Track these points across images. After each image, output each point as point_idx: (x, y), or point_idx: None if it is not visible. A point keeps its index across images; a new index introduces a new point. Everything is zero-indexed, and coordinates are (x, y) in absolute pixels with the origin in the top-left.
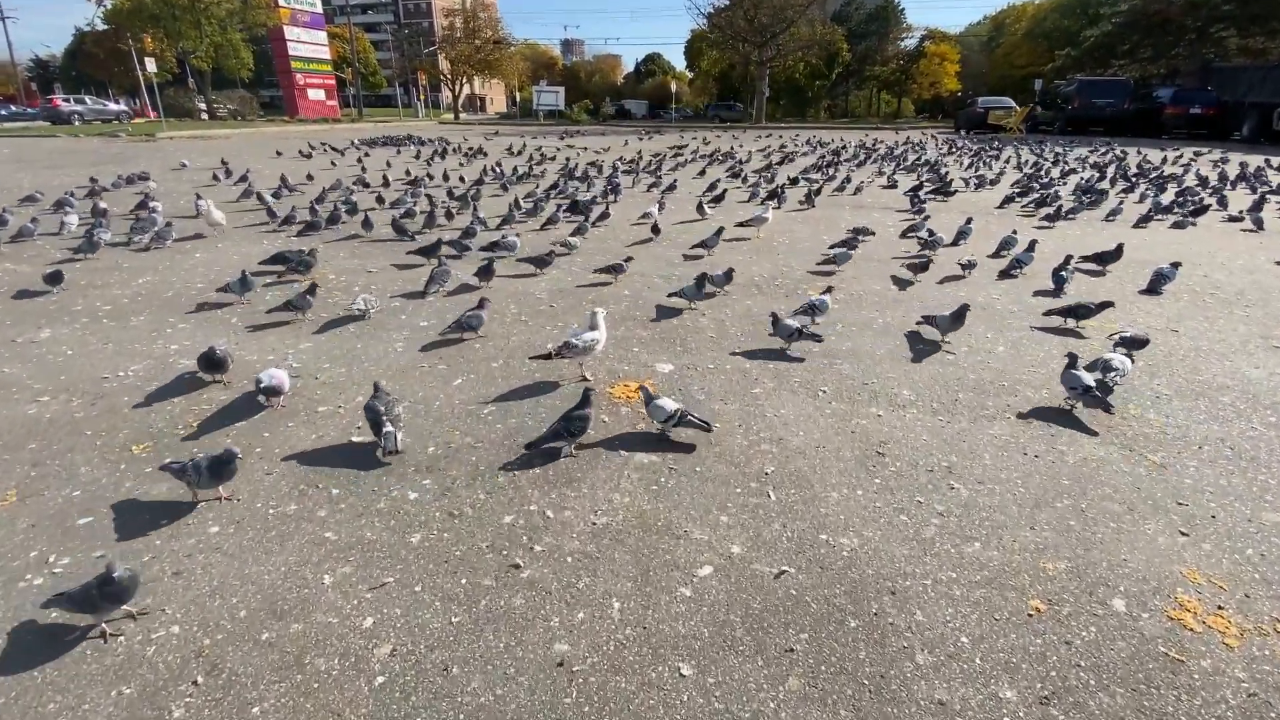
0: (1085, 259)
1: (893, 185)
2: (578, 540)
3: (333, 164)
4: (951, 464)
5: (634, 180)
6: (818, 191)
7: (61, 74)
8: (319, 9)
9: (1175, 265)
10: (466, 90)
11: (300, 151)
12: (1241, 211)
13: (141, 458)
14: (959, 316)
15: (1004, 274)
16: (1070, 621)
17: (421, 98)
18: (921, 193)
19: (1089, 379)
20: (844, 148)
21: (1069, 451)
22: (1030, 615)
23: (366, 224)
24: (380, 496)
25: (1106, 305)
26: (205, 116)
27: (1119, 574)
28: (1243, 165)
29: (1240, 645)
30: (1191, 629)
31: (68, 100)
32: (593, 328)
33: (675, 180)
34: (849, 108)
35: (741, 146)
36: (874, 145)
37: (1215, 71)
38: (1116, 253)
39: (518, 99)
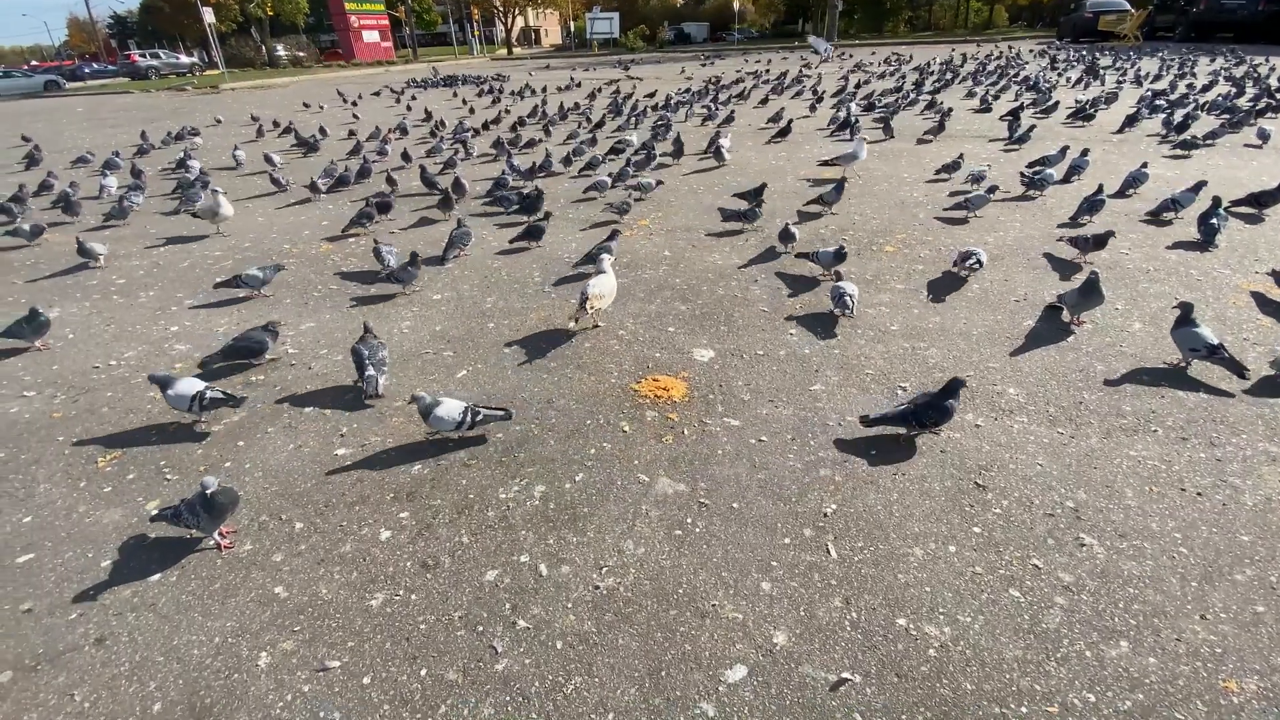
0: (1237, 203)
1: (986, 108)
2: (574, 614)
3: (407, 107)
4: (1079, 504)
5: (686, 114)
6: (895, 114)
7: (138, 30)
8: None
9: None
10: (520, 23)
11: (319, 105)
12: None
13: (106, 473)
14: (1090, 290)
15: (1153, 218)
16: None
17: (476, 34)
18: (1022, 115)
19: (1212, 337)
20: (928, 66)
21: (1245, 486)
22: None
23: (390, 181)
24: (347, 536)
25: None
26: (266, 65)
27: None
28: None
29: None
30: None
31: (144, 55)
32: (599, 273)
33: (732, 112)
34: (933, 19)
35: (812, 69)
36: (962, 61)
37: None
38: (1278, 192)
39: (572, 29)
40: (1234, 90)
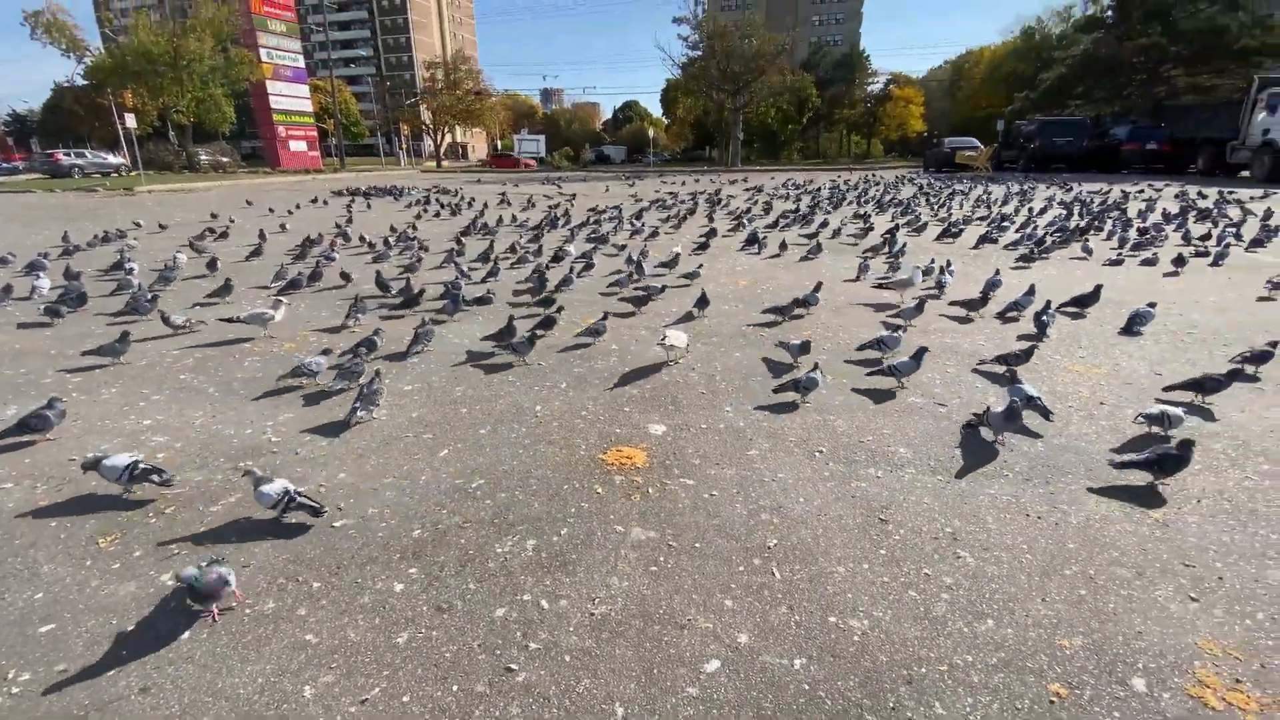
0: (1065, 304)
1: (869, 227)
2: (575, 635)
3: (348, 218)
4: (956, 530)
5: (615, 228)
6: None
7: (40, 128)
8: (301, 64)
9: (1151, 305)
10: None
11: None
12: (1207, 246)
13: (110, 551)
14: (1014, 414)
15: (1000, 316)
16: (1094, 707)
17: (404, 147)
18: (896, 237)
19: (1033, 391)
20: (820, 190)
21: (1071, 511)
22: (1052, 702)
23: (344, 276)
24: (364, 590)
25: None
26: (186, 169)
27: (1135, 649)
28: (1202, 196)
29: None
30: (1213, 707)
31: (69, 154)
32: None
33: (656, 228)
34: (820, 149)
35: (720, 191)
36: (846, 185)
37: (1167, 109)
38: (1094, 295)
39: (499, 146)
40: (1064, 213)
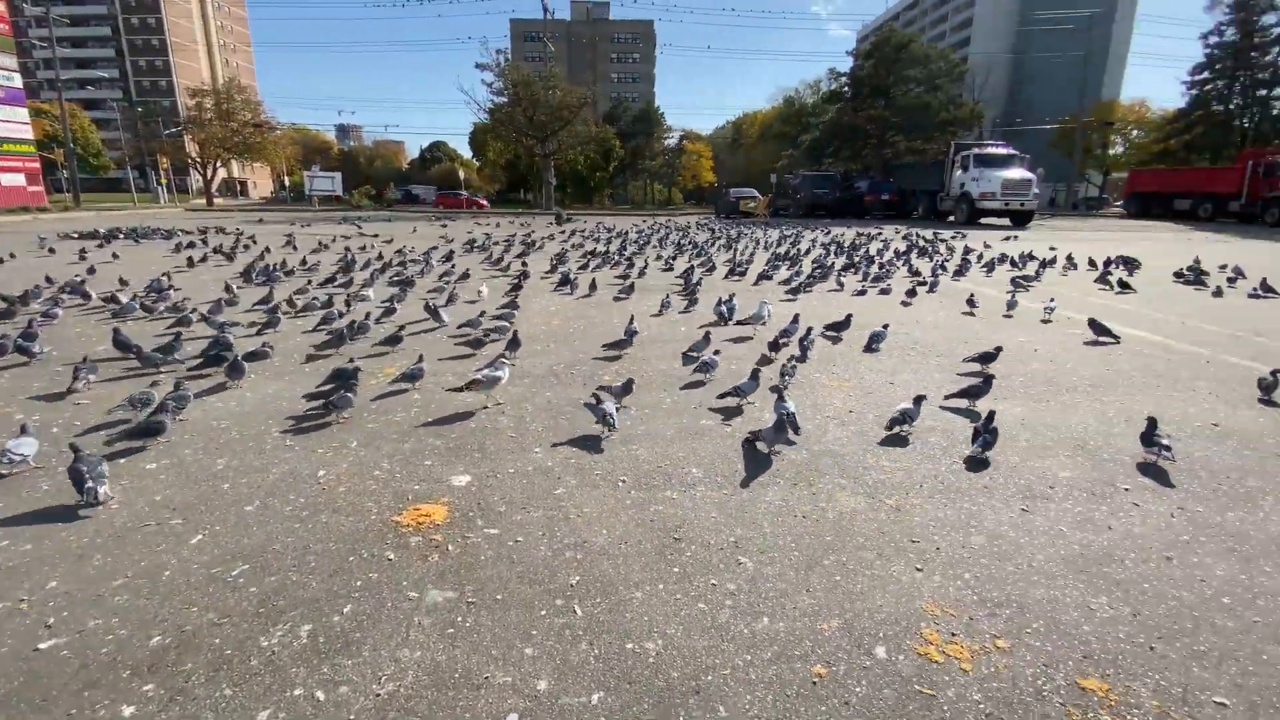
0: (825, 330)
1: (669, 268)
2: None
3: (88, 267)
4: (739, 538)
5: (423, 270)
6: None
7: None
8: (18, 83)
9: (885, 326)
10: (223, 174)
11: None
12: (925, 278)
13: None
14: (781, 427)
15: (771, 345)
16: (847, 680)
17: (163, 181)
18: (693, 276)
19: (791, 406)
20: (626, 233)
21: (829, 507)
22: (814, 683)
23: (27, 348)
24: None
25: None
26: None
27: (878, 621)
28: (920, 237)
29: (973, 668)
30: (936, 661)
31: None
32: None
33: (467, 269)
34: (629, 195)
35: (532, 234)
36: (651, 229)
37: (895, 167)
38: (846, 322)
39: (287, 183)
40: (824, 252)
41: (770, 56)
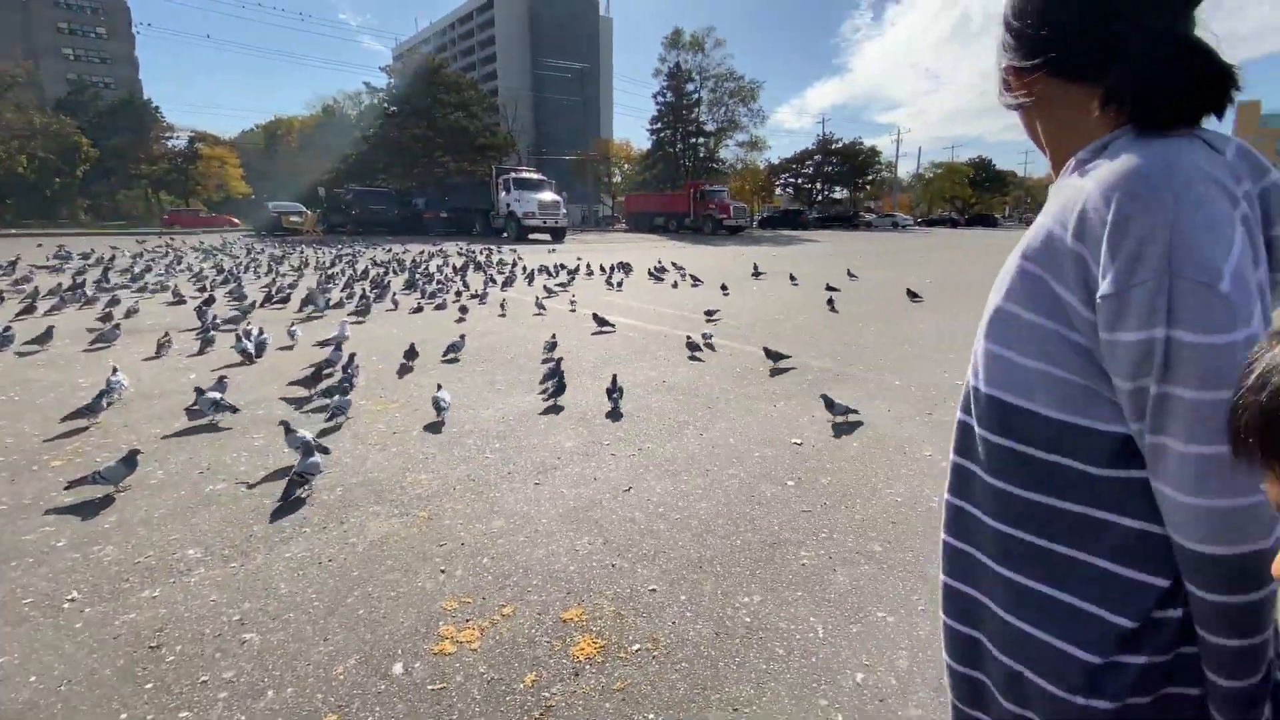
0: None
1: (181, 300)
2: None
3: None
4: (244, 613)
5: None
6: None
7: None
8: None
9: (463, 336)
10: None
11: None
12: (476, 292)
13: None
14: (310, 451)
15: (317, 375)
16: (360, 714)
17: None
18: (211, 313)
19: (307, 435)
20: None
21: (359, 540)
22: None
23: None
24: None
25: None
26: None
27: (397, 639)
28: (475, 252)
29: (481, 645)
30: (450, 653)
31: None
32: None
33: None
34: (120, 208)
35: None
36: (152, 254)
37: (450, 185)
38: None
39: None
40: (383, 271)
41: (293, 60)
